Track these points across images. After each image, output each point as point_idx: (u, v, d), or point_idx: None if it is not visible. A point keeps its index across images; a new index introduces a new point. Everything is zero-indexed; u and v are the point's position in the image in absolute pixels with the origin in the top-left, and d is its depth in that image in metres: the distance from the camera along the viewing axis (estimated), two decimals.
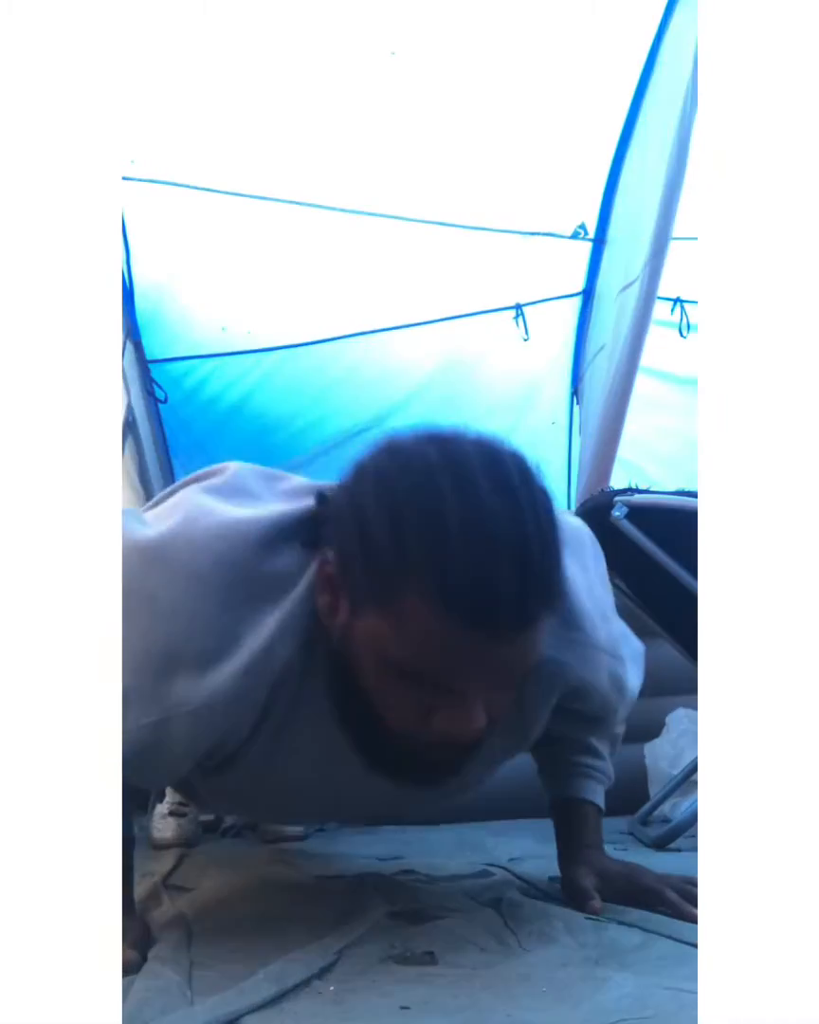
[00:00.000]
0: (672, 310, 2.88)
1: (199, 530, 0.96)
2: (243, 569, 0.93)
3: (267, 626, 0.91)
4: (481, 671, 0.84)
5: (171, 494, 1.13)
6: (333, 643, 0.91)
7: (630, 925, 1.06)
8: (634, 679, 1.16)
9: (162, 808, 1.80)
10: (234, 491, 1.04)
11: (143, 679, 0.90)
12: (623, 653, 1.11)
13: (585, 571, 1.06)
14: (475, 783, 1.14)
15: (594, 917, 1.10)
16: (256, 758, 1.02)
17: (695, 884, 1.12)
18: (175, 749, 0.93)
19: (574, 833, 1.24)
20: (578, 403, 3.15)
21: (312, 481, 1.09)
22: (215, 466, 1.14)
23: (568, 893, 1.18)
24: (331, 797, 1.13)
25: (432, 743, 0.88)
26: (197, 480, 1.11)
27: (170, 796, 1.81)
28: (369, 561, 0.84)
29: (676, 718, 2.00)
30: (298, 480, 1.10)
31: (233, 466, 1.12)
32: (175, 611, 0.92)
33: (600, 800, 1.26)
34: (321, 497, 0.96)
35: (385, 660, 0.85)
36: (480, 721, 0.86)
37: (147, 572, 0.92)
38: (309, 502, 0.98)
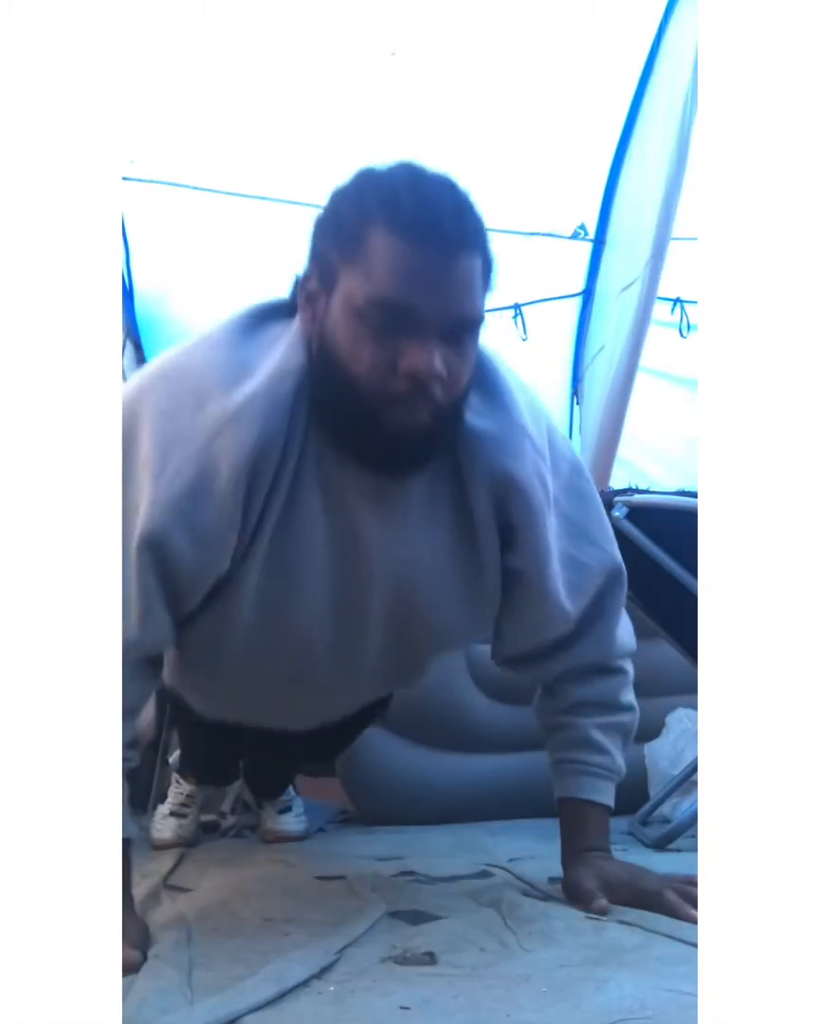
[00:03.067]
0: (672, 310, 2.89)
1: (203, 332, 1.13)
2: (244, 327, 1.11)
3: (274, 358, 1.07)
4: (433, 295, 0.99)
5: None
6: (315, 350, 1.05)
7: (630, 925, 1.06)
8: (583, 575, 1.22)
9: (163, 808, 1.80)
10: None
11: (182, 409, 1.04)
12: (543, 445, 1.18)
13: (522, 390, 1.19)
14: (439, 642, 1.25)
15: (594, 917, 1.10)
16: (267, 560, 1.10)
17: (696, 885, 1.12)
18: (221, 477, 1.02)
19: (578, 834, 1.24)
20: (578, 403, 3.15)
21: None
22: None
23: (572, 894, 1.18)
24: (322, 655, 1.19)
25: (402, 393, 1.00)
26: None
27: (171, 796, 1.81)
28: (340, 221, 1.03)
29: (676, 718, 2.00)
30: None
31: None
32: (196, 355, 1.09)
33: (607, 798, 1.25)
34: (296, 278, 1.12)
35: (357, 309, 1.00)
36: (438, 362, 0.99)
37: (167, 357, 1.11)
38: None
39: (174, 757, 1.83)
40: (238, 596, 1.12)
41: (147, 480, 1.03)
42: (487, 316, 1.06)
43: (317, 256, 1.07)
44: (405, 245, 0.98)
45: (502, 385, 1.15)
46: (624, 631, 1.30)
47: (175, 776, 1.83)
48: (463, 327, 1.03)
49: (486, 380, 1.14)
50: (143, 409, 1.05)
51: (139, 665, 1.07)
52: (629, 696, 1.30)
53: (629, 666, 1.31)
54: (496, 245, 1.06)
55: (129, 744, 1.07)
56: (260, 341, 1.10)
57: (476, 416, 1.12)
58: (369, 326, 1.00)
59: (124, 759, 0.99)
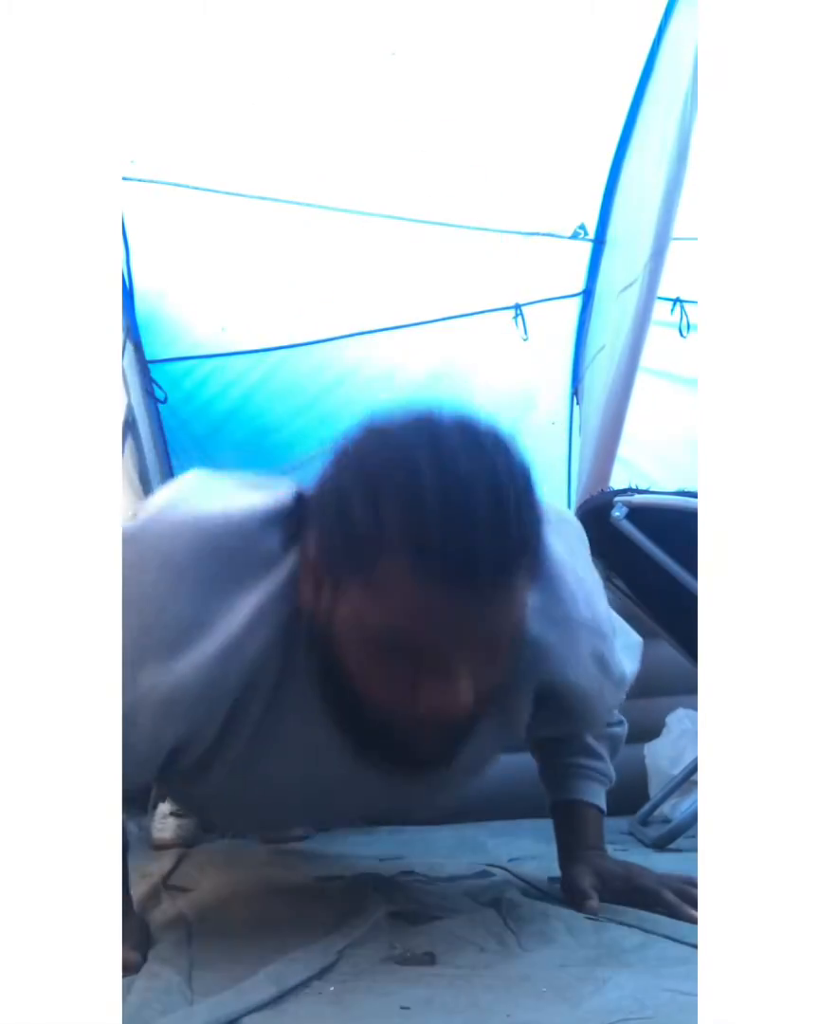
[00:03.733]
0: (672, 310, 2.88)
1: (174, 517, 0.96)
2: (216, 557, 0.92)
3: (240, 613, 0.91)
4: (462, 636, 0.84)
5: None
6: (316, 632, 0.91)
7: (630, 925, 1.06)
8: (623, 663, 1.12)
9: (163, 808, 1.80)
10: (205, 488, 1.06)
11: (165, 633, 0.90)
12: (607, 631, 1.08)
13: (572, 554, 1.05)
14: (464, 777, 1.13)
15: (594, 917, 1.10)
16: (238, 759, 1.00)
17: (694, 885, 1.12)
18: (142, 741, 0.89)
19: (573, 835, 1.24)
20: (578, 403, 3.15)
21: (274, 477, 1.10)
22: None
23: (566, 894, 1.18)
24: (320, 798, 1.11)
25: (418, 722, 0.88)
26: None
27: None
28: (349, 532, 0.84)
29: (676, 718, 2.00)
30: (264, 478, 1.11)
31: (192, 472, 1.13)
32: (145, 597, 0.90)
33: (600, 801, 1.26)
34: (299, 490, 0.97)
35: (368, 635, 0.85)
36: (465, 695, 0.85)
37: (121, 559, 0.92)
38: (285, 495, 0.98)
39: None
40: (218, 773, 1.03)
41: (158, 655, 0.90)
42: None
43: (321, 539, 0.89)
44: (428, 590, 0.81)
45: (555, 571, 0.98)
46: (630, 663, 1.20)
47: None
48: (497, 652, 0.88)
49: (543, 564, 0.92)
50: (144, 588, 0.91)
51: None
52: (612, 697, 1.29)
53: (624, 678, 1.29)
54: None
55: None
56: (242, 574, 0.92)
57: (534, 617, 0.94)
58: (382, 655, 0.86)
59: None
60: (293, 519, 0.95)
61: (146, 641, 0.89)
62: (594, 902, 1.12)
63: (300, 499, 0.96)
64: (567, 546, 1.04)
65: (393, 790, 1.06)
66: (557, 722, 1.17)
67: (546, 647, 0.99)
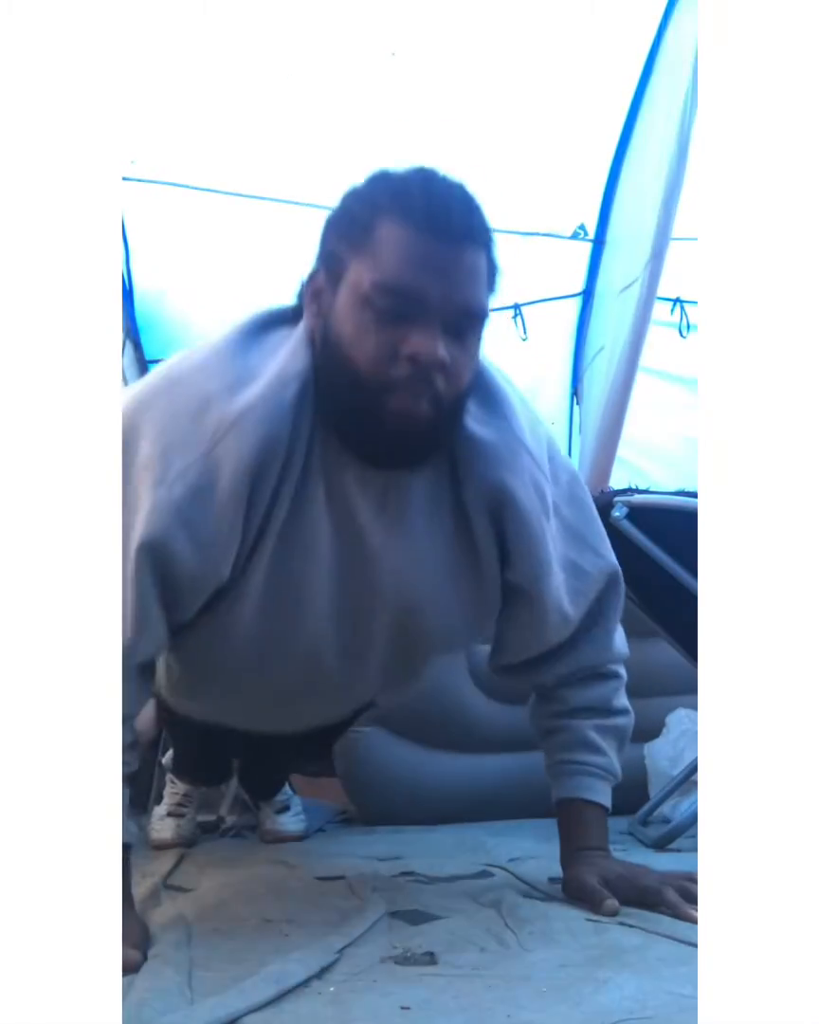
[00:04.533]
0: (672, 310, 2.88)
1: (205, 340, 1.14)
2: (249, 333, 1.12)
3: (278, 362, 1.07)
4: (438, 284, 1.00)
5: None
6: (319, 344, 1.07)
7: (631, 925, 1.06)
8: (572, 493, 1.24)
9: (160, 809, 1.80)
10: None
11: (183, 415, 1.03)
12: (544, 459, 1.18)
13: (524, 405, 1.20)
14: (449, 617, 1.20)
15: (595, 918, 1.10)
16: (272, 562, 1.09)
17: (695, 883, 1.12)
18: (224, 483, 1.02)
19: (577, 834, 1.24)
20: (578, 403, 3.15)
21: None
22: None
23: (576, 894, 1.18)
24: (334, 618, 1.16)
25: (405, 380, 1.01)
26: None
27: (167, 797, 1.81)
28: (350, 214, 1.05)
29: (676, 718, 2.00)
30: None
31: None
32: (197, 363, 1.09)
33: (604, 798, 1.25)
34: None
35: (363, 297, 1.01)
36: (442, 351, 1.00)
37: (168, 365, 1.11)
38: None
39: (167, 758, 1.83)
40: (240, 605, 1.11)
41: (148, 485, 1.02)
42: (489, 315, 1.06)
43: (326, 251, 1.08)
44: (413, 234, 1.00)
45: (501, 395, 1.16)
46: (620, 636, 1.31)
47: (169, 777, 1.83)
48: (467, 318, 1.04)
49: (486, 389, 1.14)
50: (144, 416, 1.05)
51: (134, 669, 1.07)
52: (624, 700, 1.30)
53: (623, 671, 1.31)
54: (499, 248, 1.07)
55: (128, 747, 1.06)
56: (263, 347, 1.10)
57: (475, 423, 1.12)
58: (374, 312, 1.01)
59: (123, 763, 0.99)
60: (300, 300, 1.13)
61: (211, 389, 1.05)
62: (613, 902, 1.12)
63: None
64: (519, 398, 1.20)
65: (400, 589, 1.16)
66: (522, 616, 1.22)
67: (484, 445, 1.12)
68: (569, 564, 1.22)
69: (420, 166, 1.06)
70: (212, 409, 1.03)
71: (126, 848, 1.05)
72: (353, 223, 1.05)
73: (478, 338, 1.07)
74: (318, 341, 1.07)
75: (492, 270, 1.07)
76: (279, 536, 1.09)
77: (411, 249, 1.00)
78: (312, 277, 1.10)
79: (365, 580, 1.14)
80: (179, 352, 1.15)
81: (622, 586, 1.29)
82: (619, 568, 1.28)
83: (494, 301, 1.09)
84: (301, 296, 1.13)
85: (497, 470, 1.13)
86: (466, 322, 1.04)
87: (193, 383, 1.06)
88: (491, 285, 1.07)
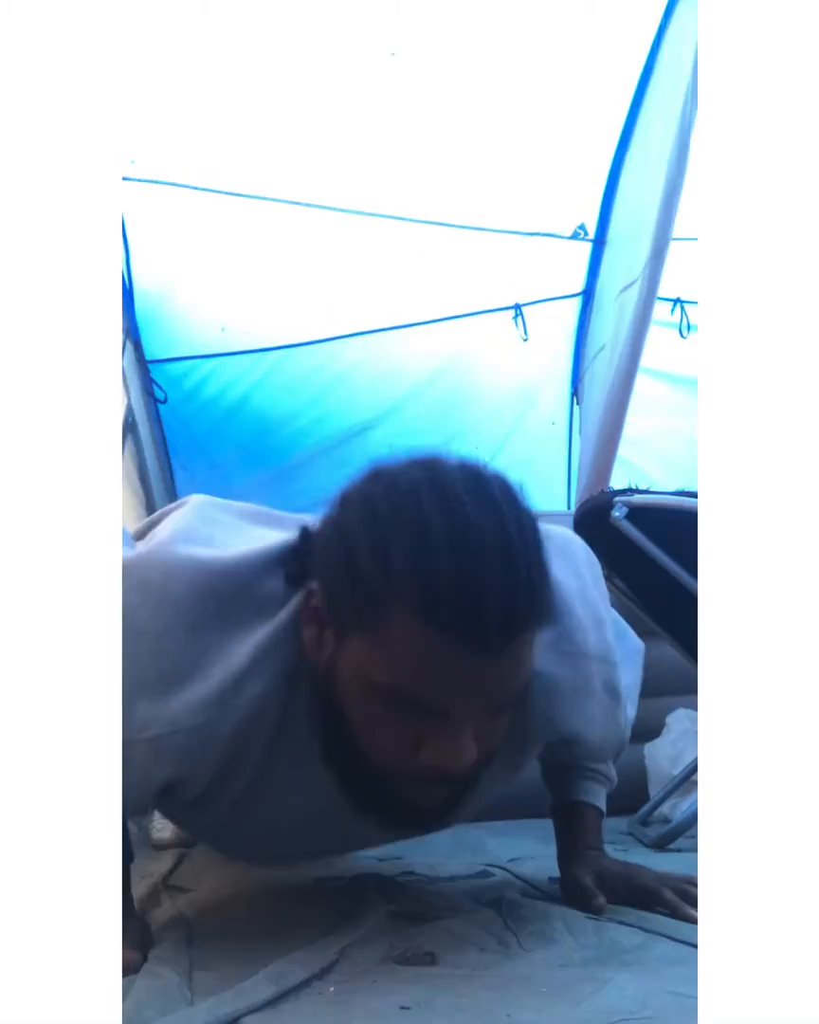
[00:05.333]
0: (672, 310, 2.89)
1: (176, 553, 0.95)
2: (217, 596, 0.91)
3: (239, 655, 0.89)
4: (468, 691, 0.82)
5: (152, 525, 1.14)
6: (318, 678, 0.89)
7: (630, 925, 1.06)
8: (628, 680, 1.14)
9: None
10: (208, 520, 1.05)
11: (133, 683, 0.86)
12: (615, 659, 1.07)
13: (578, 578, 1.04)
14: (464, 817, 1.10)
15: (594, 917, 1.10)
16: (239, 799, 0.98)
17: (694, 884, 1.12)
18: (133, 776, 0.84)
19: (573, 835, 1.24)
20: (578, 403, 3.15)
21: (278, 512, 1.10)
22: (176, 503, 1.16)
23: (570, 893, 1.18)
24: (323, 834, 1.09)
25: (421, 779, 0.86)
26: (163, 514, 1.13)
27: None
28: (356, 580, 0.83)
29: (676, 718, 2.00)
30: (268, 512, 1.11)
31: (193, 498, 1.13)
32: (143, 632, 0.88)
33: (601, 803, 1.26)
34: (304, 531, 0.95)
35: (372, 687, 0.84)
36: (470, 753, 0.83)
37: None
38: (290, 535, 0.97)
39: None
40: (216, 814, 1.02)
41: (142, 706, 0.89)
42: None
43: (325, 586, 0.88)
44: (436, 644, 0.79)
45: (564, 603, 0.97)
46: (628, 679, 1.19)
47: None
48: (504, 709, 0.87)
49: (552, 596, 0.88)
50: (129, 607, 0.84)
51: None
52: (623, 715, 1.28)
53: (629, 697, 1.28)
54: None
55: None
56: (230, 623, 0.90)
57: (545, 653, 0.93)
58: (386, 708, 0.84)
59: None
60: (297, 560, 0.93)
61: (140, 677, 0.87)
62: (601, 900, 1.12)
63: (305, 538, 0.95)
64: (574, 571, 1.03)
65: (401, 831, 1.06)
66: (568, 751, 1.19)
67: (557, 683, 0.98)
68: (609, 687, 1.08)
69: (435, 475, 0.83)
70: (140, 702, 0.87)
71: (127, 862, 1.04)
72: (355, 586, 0.83)
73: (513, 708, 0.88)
74: (317, 677, 0.90)
75: (545, 616, 0.85)
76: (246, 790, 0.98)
77: (432, 660, 0.80)
78: (308, 596, 0.91)
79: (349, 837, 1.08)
80: (156, 550, 0.97)
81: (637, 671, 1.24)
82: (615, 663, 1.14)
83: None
84: (301, 546, 0.95)
85: (571, 715, 1.02)
86: (503, 710, 0.87)
87: (130, 666, 0.81)
88: (540, 628, 0.85)
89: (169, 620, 0.90)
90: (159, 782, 0.92)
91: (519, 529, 0.82)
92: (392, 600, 0.80)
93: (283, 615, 0.92)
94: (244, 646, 0.90)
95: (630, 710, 1.20)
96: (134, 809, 0.94)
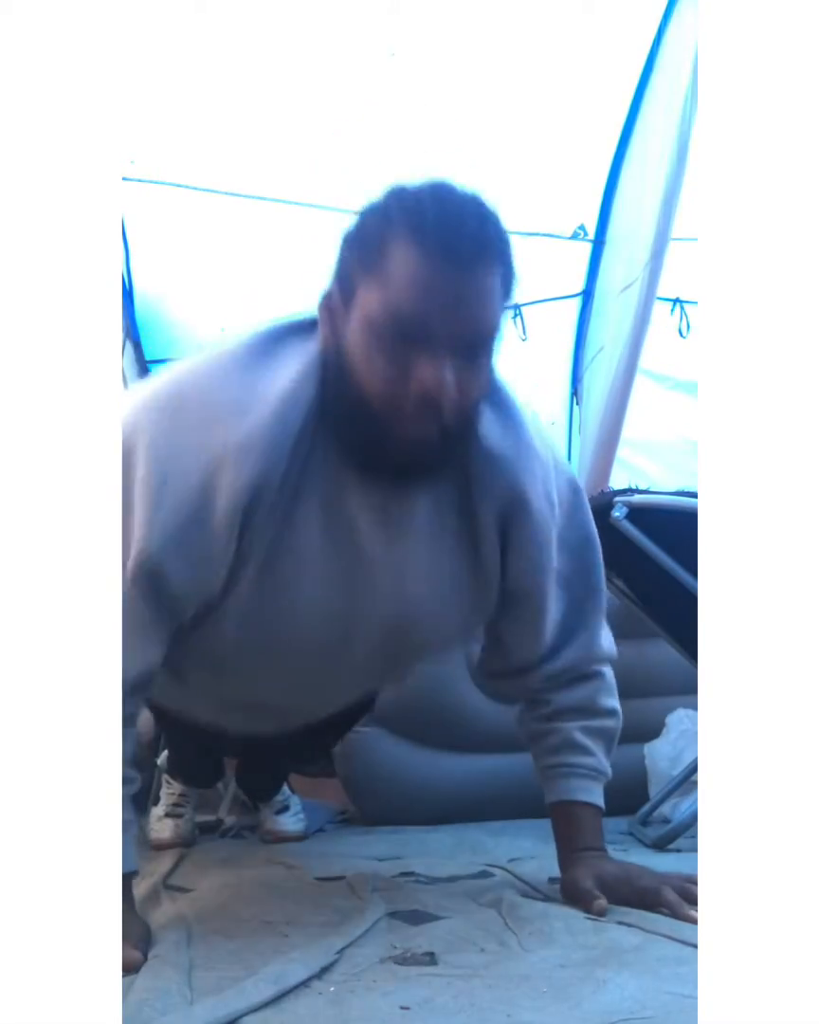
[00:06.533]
0: (672, 311, 2.88)
1: (214, 351, 1.13)
2: (260, 348, 1.10)
3: (284, 385, 1.06)
4: (450, 310, 0.99)
5: None
6: (331, 362, 1.06)
7: (630, 925, 1.06)
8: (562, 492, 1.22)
9: (158, 810, 1.80)
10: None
11: (185, 434, 1.03)
12: (551, 474, 1.19)
13: (534, 420, 1.22)
14: (448, 621, 1.20)
15: (594, 917, 1.10)
16: (262, 574, 1.08)
17: (695, 883, 1.12)
18: (219, 512, 1.01)
19: (572, 836, 1.24)
20: (578, 403, 3.15)
21: None
22: None
23: (570, 895, 1.18)
24: (328, 625, 1.15)
25: (414, 409, 1.00)
26: None
27: (164, 798, 1.81)
28: (363, 236, 1.04)
29: (676, 718, 2.00)
30: None
31: None
32: (203, 379, 1.07)
33: (596, 799, 1.25)
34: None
35: (375, 324, 1.00)
36: (450, 380, 0.99)
37: (173, 377, 1.10)
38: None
39: (162, 758, 1.83)
40: (229, 617, 1.11)
41: (143, 509, 1.02)
42: (501, 330, 1.06)
43: (340, 269, 1.07)
44: (423, 258, 0.98)
45: (513, 405, 1.16)
46: (605, 638, 1.31)
47: (165, 777, 1.83)
48: (477, 342, 1.03)
49: (499, 399, 1.14)
50: (144, 430, 1.04)
51: (127, 686, 1.03)
52: (610, 701, 1.30)
53: (608, 671, 1.31)
54: (517, 252, 1.06)
55: (129, 761, 1.05)
56: (274, 363, 1.09)
57: (490, 434, 1.12)
58: (383, 340, 1.00)
59: (125, 780, 0.99)
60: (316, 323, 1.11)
61: (214, 403, 1.04)
62: (602, 902, 1.12)
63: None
64: (526, 407, 1.20)
65: (399, 601, 1.15)
66: (519, 621, 1.23)
67: (501, 454, 1.12)
68: (559, 573, 1.23)
69: (434, 180, 1.05)
70: (213, 434, 1.02)
71: (128, 875, 1.06)
72: (365, 242, 1.04)
73: (490, 356, 1.06)
74: (330, 359, 1.07)
75: (508, 279, 1.05)
76: (271, 550, 1.08)
77: (419, 275, 0.99)
78: (327, 295, 1.09)
79: (360, 591, 1.14)
80: (188, 359, 1.14)
81: (603, 591, 1.30)
82: (603, 575, 1.29)
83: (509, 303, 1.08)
84: (319, 310, 1.12)
85: (514, 479, 1.14)
86: (477, 344, 1.03)
87: (197, 400, 1.05)
88: (507, 294, 1.06)
89: (228, 362, 1.08)
90: (246, 493, 1.03)
91: (494, 211, 1.04)
92: (390, 235, 1.00)
93: (312, 347, 1.09)
94: (286, 379, 1.06)
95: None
96: (230, 520, 1.04)
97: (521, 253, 1.08)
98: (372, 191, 1.07)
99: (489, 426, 1.11)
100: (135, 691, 1.08)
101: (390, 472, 1.08)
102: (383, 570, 1.13)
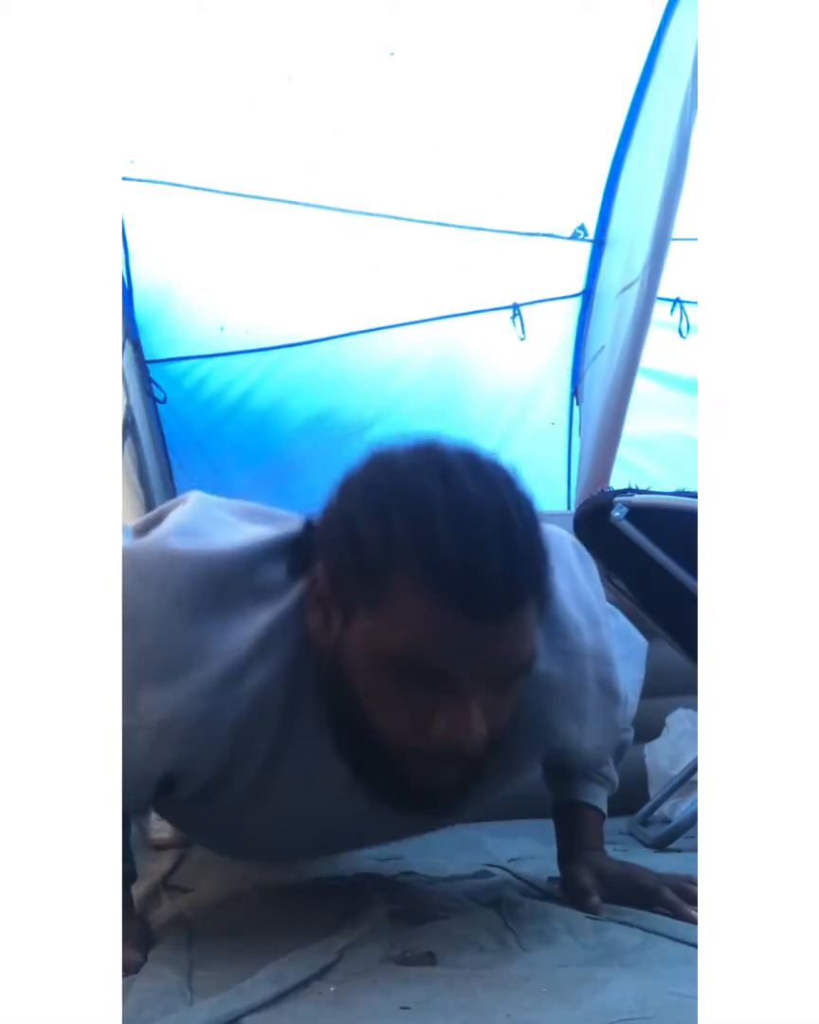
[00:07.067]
0: (672, 311, 2.89)
1: (176, 545, 0.96)
2: (218, 584, 0.92)
3: (242, 641, 0.90)
4: (473, 658, 0.83)
5: (152, 521, 1.13)
6: (326, 663, 0.90)
7: (630, 925, 1.06)
8: (627, 678, 1.13)
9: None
10: (207, 516, 1.06)
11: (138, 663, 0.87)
12: (612, 656, 1.06)
13: (570, 576, 1.05)
14: (476, 807, 1.08)
15: (594, 917, 1.10)
16: (244, 793, 0.98)
17: (695, 882, 1.12)
18: (133, 767, 0.83)
19: (573, 835, 1.24)
20: (578, 403, 3.15)
21: (277, 510, 1.11)
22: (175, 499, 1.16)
23: (568, 893, 1.18)
24: (331, 831, 1.09)
25: (433, 754, 0.86)
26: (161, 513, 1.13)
27: None
28: (360, 553, 0.84)
29: (676, 718, 2.00)
30: (264, 508, 1.12)
31: (194, 495, 1.13)
32: (143, 620, 0.89)
33: (601, 804, 1.26)
34: (307, 523, 0.96)
35: (381, 660, 0.84)
36: (480, 724, 0.84)
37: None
38: (291, 526, 0.98)
39: None
40: (234, 808, 1.02)
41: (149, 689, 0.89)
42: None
43: (330, 565, 0.89)
44: (441, 608, 0.81)
45: (563, 613, 1.00)
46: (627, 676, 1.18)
47: None
48: (509, 678, 0.87)
49: (546, 584, 0.91)
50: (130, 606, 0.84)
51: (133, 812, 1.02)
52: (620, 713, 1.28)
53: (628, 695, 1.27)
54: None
55: (128, 857, 1.04)
56: (242, 604, 0.92)
57: (544, 655, 0.95)
58: (396, 680, 0.85)
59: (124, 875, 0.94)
60: (299, 550, 0.94)
61: (142, 665, 0.88)
62: (597, 899, 1.12)
63: (308, 530, 0.96)
64: (565, 568, 1.03)
65: (401, 824, 1.06)
66: (567, 757, 1.18)
67: (552, 681, 0.98)
68: (604, 684, 1.08)
69: (433, 453, 0.86)
70: (142, 690, 0.88)
71: (127, 881, 1.05)
72: (360, 560, 0.85)
73: (524, 678, 0.89)
74: (325, 662, 0.90)
75: (542, 596, 0.87)
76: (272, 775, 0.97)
77: (438, 627, 0.82)
78: (314, 582, 0.91)
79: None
80: (168, 530, 0.99)
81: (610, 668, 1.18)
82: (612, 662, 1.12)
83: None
84: (303, 537, 0.96)
85: (561, 709, 1.01)
86: (509, 680, 0.87)
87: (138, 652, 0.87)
88: (541, 612, 0.88)
89: (169, 608, 0.90)
90: (160, 773, 0.92)
91: (515, 501, 0.85)
92: (396, 568, 0.82)
93: (285, 603, 0.92)
94: (246, 632, 0.90)
95: (631, 708, 1.19)
96: (134, 804, 0.93)
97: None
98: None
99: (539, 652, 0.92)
100: (138, 812, 1.04)
101: (398, 804, 0.94)
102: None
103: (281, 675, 0.91)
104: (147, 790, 0.96)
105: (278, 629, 0.91)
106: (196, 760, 0.93)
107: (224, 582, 0.92)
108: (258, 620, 0.91)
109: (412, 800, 0.92)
